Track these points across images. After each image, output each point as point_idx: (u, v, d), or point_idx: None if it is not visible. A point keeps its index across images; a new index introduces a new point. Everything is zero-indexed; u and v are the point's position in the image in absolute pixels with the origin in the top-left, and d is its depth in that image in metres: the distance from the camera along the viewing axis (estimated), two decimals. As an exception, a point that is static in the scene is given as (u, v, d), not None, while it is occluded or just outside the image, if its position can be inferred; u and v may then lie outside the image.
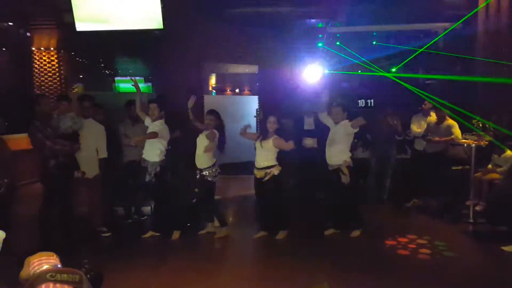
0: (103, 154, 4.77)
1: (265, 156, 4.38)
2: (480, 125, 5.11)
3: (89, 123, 4.65)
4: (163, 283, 3.50)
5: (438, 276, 3.62)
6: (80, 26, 6.46)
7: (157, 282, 3.51)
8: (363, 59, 6.35)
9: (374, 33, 8.02)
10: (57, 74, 8.74)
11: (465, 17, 5.58)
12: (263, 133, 4.50)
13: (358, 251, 4.25)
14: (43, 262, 1.51)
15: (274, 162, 4.38)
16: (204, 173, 4.44)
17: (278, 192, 4.45)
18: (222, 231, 4.58)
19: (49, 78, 8.78)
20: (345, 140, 4.51)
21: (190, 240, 4.52)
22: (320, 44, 7.61)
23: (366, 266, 3.83)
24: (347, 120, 4.51)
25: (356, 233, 4.54)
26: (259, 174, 4.42)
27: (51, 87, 8.75)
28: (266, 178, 4.31)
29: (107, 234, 4.69)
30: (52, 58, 8.76)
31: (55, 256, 1.57)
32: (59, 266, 1.53)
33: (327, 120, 4.66)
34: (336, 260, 3.95)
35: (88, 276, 1.61)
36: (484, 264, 3.98)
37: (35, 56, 8.74)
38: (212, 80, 12.97)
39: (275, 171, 4.33)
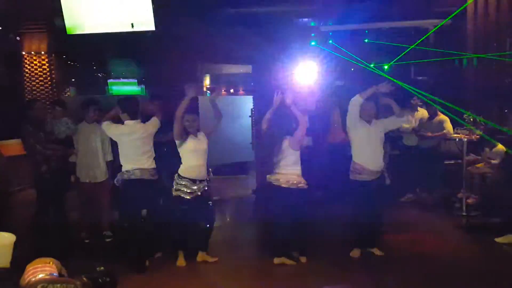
0: (109, 157, 4.64)
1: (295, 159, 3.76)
2: (471, 119, 5.17)
3: (94, 127, 4.54)
4: None
5: (433, 269, 3.66)
6: (71, 30, 6.43)
7: None
8: (355, 57, 6.38)
9: (366, 31, 8.08)
10: (49, 78, 8.67)
11: (454, 13, 5.63)
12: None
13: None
14: (38, 270, 1.47)
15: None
16: (207, 187, 3.82)
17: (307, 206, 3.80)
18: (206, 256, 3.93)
19: (40, 83, 8.71)
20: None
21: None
22: (313, 43, 7.64)
23: (361, 259, 3.86)
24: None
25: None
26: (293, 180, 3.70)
27: (42, 92, 8.68)
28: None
29: (111, 239, 4.59)
30: (43, 62, 8.68)
31: (52, 263, 1.53)
32: (54, 274, 1.48)
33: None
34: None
35: (101, 280, 1.60)
36: (478, 256, 4.05)
37: (25, 61, 8.66)
38: (207, 81, 12.96)
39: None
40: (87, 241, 4.53)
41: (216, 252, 4.01)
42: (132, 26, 6.20)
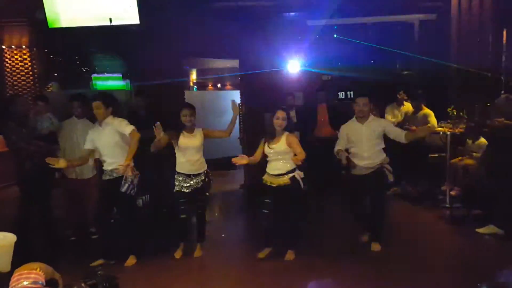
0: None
1: (283, 159, 3.67)
2: (455, 113, 5.26)
3: (83, 123, 4.46)
4: None
5: (417, 260, 3.74)
6: (53, 23, 6.28)
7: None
8: (342, 51, 6.42)
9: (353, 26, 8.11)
10: (31, 73, 8.45)
11: (438, 8, 5.72)
12: (269, 133, 3.77)
13: (338, 237, 4.33)
14: (23, 277, 1.34)
15: (293, 165, 3.68)
16: (205, 178, 3.87)
17: (299, 202, 3.79)
18: (199, 249, 4.01)
19: (22, 77, 8.48)
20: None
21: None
22: (299, 37, 7.64)
23: (347, 252, 3.92)
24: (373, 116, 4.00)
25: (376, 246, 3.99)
26: (279, 181, 3.66)
27: (24, 87, 8.46)
28: (302, 184, 3.62)
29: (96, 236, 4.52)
30: (25, 56, 8.45)
31: (39, 269, 1.38)
32: (40, 282, 1.35)
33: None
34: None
35: (101, 286, 1.54)
36: (461, 246, 4.16)
37: (6, 55, 8.43)
38: (193, 76, 12.85)
39: (300, 174, 3.66)
40: (73, 238, 4.48)
41: (204, 246, 4.02)
42: (110, 20, 6.09)
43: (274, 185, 3.68)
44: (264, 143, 3.76)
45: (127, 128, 3.70)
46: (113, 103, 3.84)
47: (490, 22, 5.64)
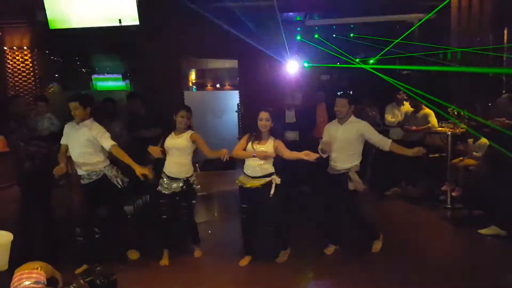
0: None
1: (263, 162, 3.53)
2: (456, 113, 5.25)
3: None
4: None
5: (418, 261, 3.72)
6: (53, 24, 6.30)
7: None
8: (341, 51, 6.41)
9: (352, 26, 8.11)
10: (32, 74, 8.49)
11: (439, 7, 5.69)
12: (256, 133, 3.62)
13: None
14: (24, 277, 1.34)
15: (272, 169, 3.57)
16: (191, 181, 3.73)
17: (279, 205, 3.60)
18: (198, 250, 3.99)
19: (23, 78, 8.53)
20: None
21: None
22: (298, 37, 7.65)
23: (345, 252, 3.89)
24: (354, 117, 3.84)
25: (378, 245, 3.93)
26: (252, 183, 3.55)
27: (26, 87, 8.50)
28: (273, 190, 3.47)
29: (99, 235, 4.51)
30: (26, 57, 8.50)
31: (40, 268, 1.39)
32: (41, 282, 1.35)
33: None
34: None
35: (99, 282, 1.52)
36: (463, 247, 4.13)
37: (7, 56, 8.48)
38: (192, 76, 12.87)
39: (277, 179, 3.53)
40: (80, 239, 4.40)
41: (201, 247, 4.02)
42: (120, 22, 6.10)
43: (251, 187, 3.54)
44: (248, 141, 3.61)
45: (107, 143, 3.53)
46: (91, 104, 3.69)
47: (490, 21, 5.62)
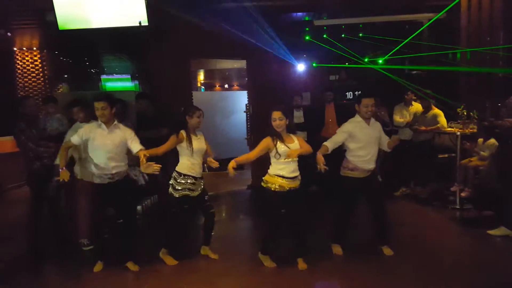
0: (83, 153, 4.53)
1: (295, 161, 3.47)
2: (465, 113, 5.20)
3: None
4: None
5: (427, 262, 3.69)
6: (63, 25, 6.35)
7: None
8: (349, 51, 6.39)
9: (361, 25, 8.07)
10: (41, 74, 8.61)
11: (448, 7, 5.65)
12: (276, 135, 3.47)
13: (346, 239, 4.30)
14: None
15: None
16: (202, 182, 3.79)
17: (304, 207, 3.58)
18: (209, 251, 3.99)
19: (32, 79, 8.64)
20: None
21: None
22: (307, 37, 7.63)
23: (354, 254, 3.87)
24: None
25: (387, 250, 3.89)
26: (292, 184, 3.47)
27: (35, 88, 8.62)
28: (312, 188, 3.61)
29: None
30: (35, 58, 8.61)
31: None
32: None
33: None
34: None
35: None
36: (472, 248, 4.08)
37: (17, 57, 8.59)
38: (201, 76, 12.92)
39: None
40: (90, 247, 4.23)
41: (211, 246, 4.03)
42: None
43: (286, 189, 3.45)
44: (275, 142, 3.43)
45: (136, 146, 3.55)
46: (115, 104, 3.68)
47: (500, 20, 5.56)
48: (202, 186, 3.79)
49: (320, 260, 3.77)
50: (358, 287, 3.31)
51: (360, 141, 3.75)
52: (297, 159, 3.46)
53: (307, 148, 3.53)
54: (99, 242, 3.81)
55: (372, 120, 3.84)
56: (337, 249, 3.92)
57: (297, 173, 3.50)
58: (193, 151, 3.65)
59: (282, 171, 3.44)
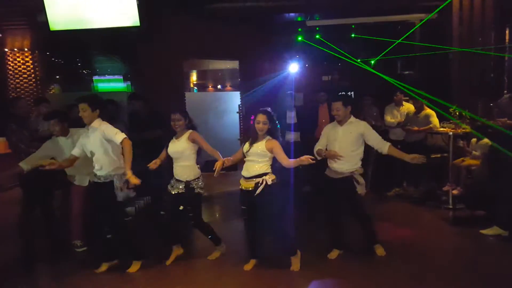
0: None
1: (256, 162, 3.48)
2: (457, 113, 5.23)
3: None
4: None
5: (420, 261, 3.71)
6: (54, 26, 6.30)
7: None
8: (342, 51, 6.40)
9: (353, 26, 8.11)
10: (33, 75, 8.53)
11: (440, 7, 5.68)
12: (252, 134, 3.55)
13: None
14: None
15: (267, 169, 3.49)
16: (192, 185, 3.71)
17: (275, 207, 3.51)
18: (215, 252, 3.99)
19: (24, 80, 8.56)
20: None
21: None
22: (299, 38, 7.65)
23: (348, 255, 3.87)
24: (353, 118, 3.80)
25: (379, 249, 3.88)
26: (246, 185, 3.51)
27: (27, 89, 8.54)
28: (259, 190, 3.40)
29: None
30: (27, 59, 8.53)
31: None
32: None
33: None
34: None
35: None
36: (465, 247, 4.10)
37: (8, 58, 8.50)
38: (193, 77, 12.88)
39: (268, 179, 3.44)
40: (84, 248, 4.22)
41: (204, 247, 4.03)
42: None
43: (246, 189, 3.49)
44: (246, 143, 3.57)
45: (118, 137, 3.46)
46: (99, 105, 3.63)
47: (492, 21, 5.61)
48: (183, 191, 3.68)
49: (315, 261, 3.76)
50: (349, 287, 3.31)
51: (329, 141, 3.80)
52: (259, 160, 3.45)
53: (280, 159, 3.42)
54: (104, 244, 3.76)
55: (352, 119, 3.76)
56: (332, 254, 3.88)
57: (254, 174, 3.46)
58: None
59: (243, 171, 3.56)
